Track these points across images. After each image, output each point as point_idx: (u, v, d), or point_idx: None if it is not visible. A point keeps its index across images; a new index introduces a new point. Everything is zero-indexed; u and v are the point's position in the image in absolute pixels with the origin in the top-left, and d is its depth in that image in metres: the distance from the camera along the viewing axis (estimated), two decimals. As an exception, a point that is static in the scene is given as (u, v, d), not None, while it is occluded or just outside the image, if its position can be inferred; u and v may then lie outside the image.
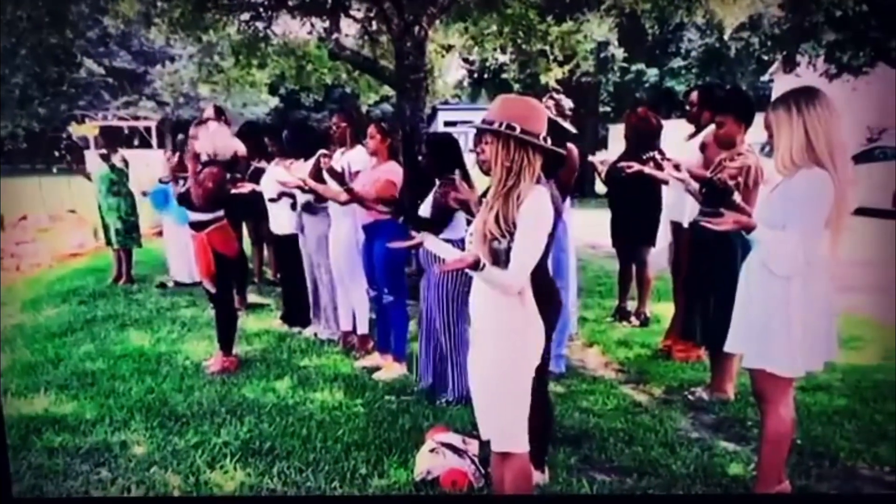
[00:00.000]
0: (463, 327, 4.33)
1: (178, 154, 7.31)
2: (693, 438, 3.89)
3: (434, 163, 4.31)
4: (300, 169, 5.35)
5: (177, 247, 7.75)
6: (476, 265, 2.35)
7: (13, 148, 29.41)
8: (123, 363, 5.20)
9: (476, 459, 3.37)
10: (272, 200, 5.69)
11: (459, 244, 3.70)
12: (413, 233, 4.17)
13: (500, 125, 2.45)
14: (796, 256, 2.76)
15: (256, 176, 6.15)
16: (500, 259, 2.43)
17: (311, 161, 5.28)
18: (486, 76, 22.14)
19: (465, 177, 4.07)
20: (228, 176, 5.22)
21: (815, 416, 4.08)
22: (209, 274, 4.92)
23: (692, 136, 5.17)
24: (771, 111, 2.90)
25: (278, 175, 5.52)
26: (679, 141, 5.31)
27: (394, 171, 4.80)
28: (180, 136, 7.63)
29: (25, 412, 4.27)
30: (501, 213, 2.43)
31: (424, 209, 4.31)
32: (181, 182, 5.24)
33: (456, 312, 4.25)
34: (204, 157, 4.90)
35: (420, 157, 4.41)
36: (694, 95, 5.36)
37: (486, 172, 2.56)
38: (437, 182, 4.27)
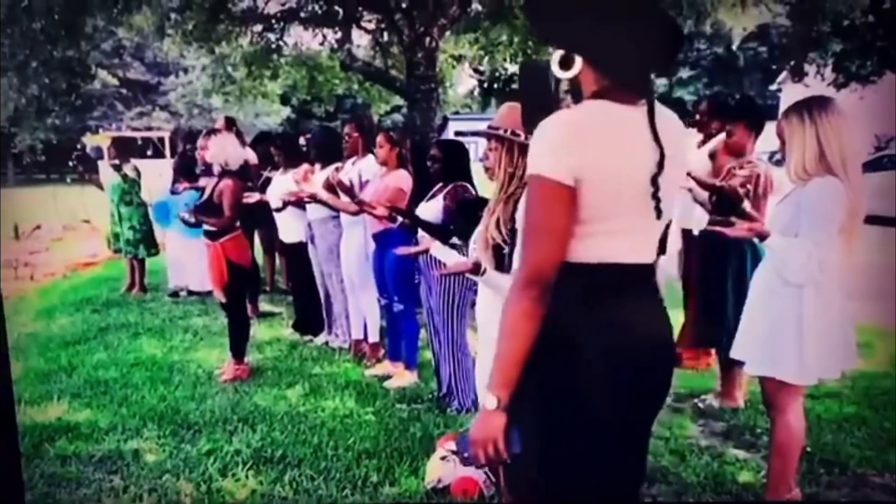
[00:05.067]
0: (463, 334, 4.36)
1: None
2: (703, 446, 3.89)
3: (443, 168, 4.34)
4: (318, 178, 5.40)
5: (179, 258, 7.78)
6: (477, 269, 2.38)
7: (31, 160, 29.66)
8: (136, 371, 5.24)
9: (487, 468, 3.38)
10: (277, 210, 5.73)
11: (463, 249, 3.73)
12: (419, 239, 4.23)
13: (506, 131, 2.48)
14: (809, 264, 2.76)
15: (269, 186, 6.20)
16: (504, 264, 2.45)
17: (327, 171, 5.33)
18: (496, 86, 22.22)
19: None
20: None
21: (824, 423, 4.07)
22: (221, 283, 4.94)
23: (701, 144, 5.18)
24: (783, 120, 2.91)
25: (287, 185, 5.56)
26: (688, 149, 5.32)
27: (403, 180, 4.82)
28: (183, 148, 7.66)
29: (39, 420, 4.30)
30: (503, 218, 2.46)
31: (425, 212, 4.33)
32: (198, 193, 5.27)
33: (457, 320, 4.28)
34: (216, 168, 4.94)
35: (428, 163, 4.44)
36: (704, 105, 5.38)
37: (492, 178, 2.59)
38: (444, 188, 4.31)
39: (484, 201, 2.84)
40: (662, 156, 1.66)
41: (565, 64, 1.69)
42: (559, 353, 1.68)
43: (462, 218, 3.89)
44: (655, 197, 1.67)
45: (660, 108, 1.73)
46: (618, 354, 1.68)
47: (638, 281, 1.76)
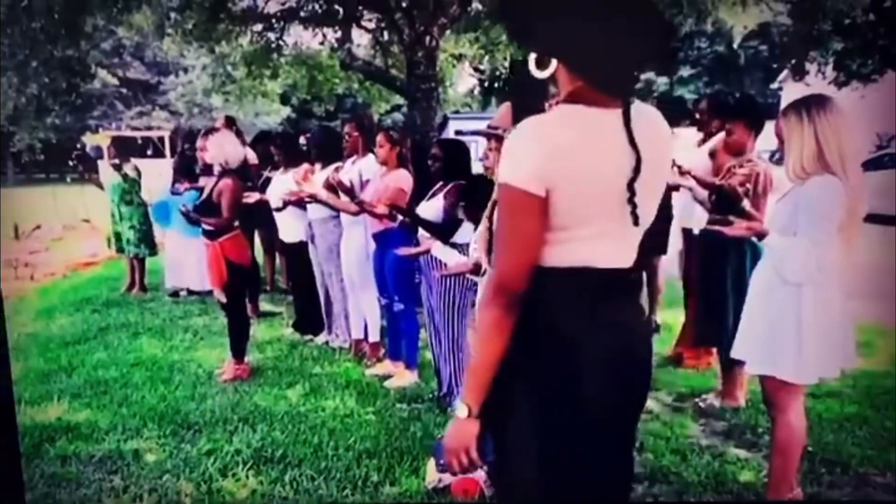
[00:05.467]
0: (464, 334, 4.35)
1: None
2: (704, 445, 3.88)
3: (444, 167, 4.33)
4: (318, 177, 5.40)
5: (178, 258, 7.76)
6: (477, 270, 2.37)
7: (30, 159, 29.67)
8: (136, 371, 5.24)
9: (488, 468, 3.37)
10: (277, 210, 5.73)
11: (464, 249, 3.73)
12: (420, 239, 4.23)
13: (505, 130, 2.47)
14: (808, 263, 2.76)
15: (268, 185, 6.19)
16: None
17: (327, 171, 5.33)
18: (496, 85, 22.20)
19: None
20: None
21: (826, 422, 4.07)
22: (221, 283, 4.94)
23: (701, 143, 5.18)
24: (782, 119, 2.90)
25: (287, 185, 5.55)
26: (688, 148, 5.32)
27: (403, 179, 4.81)
28: (182, 147, 7.65)
29: (39, 420, 4.30)
30: None
31: (425, 211, 4.32)
32: (198, 193, 5.26)
33: (457, 319, 4.27)
34: (217, 168, 4.93)
35: (430, 162, 4.43)
36: (703, 104, 5.38)
37: (492, 177, 2.58)
38: (444, 186, 4.30)
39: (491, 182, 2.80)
40: (639, 160, 1.62)
41: (541, 63, 1.67)
42: (539, 357, 1.67)
43: (472, 198, 3.87)
44: (632, 202, 1.63)
45: (641, 109, 1.69)
46: (596, 358, 1.67)
47: (616, 285, 1.72)
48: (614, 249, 1.69)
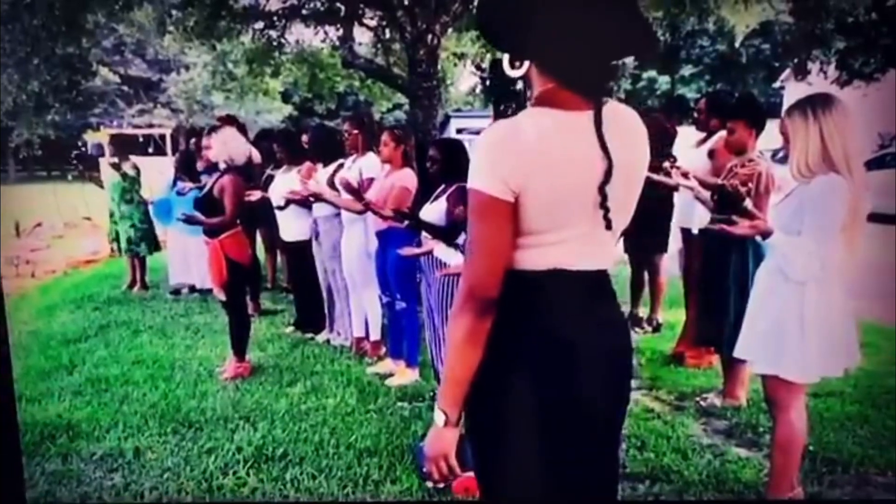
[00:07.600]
0: None
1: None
2: (705, 444, 3.88)
3: (442, 168, 4.32)
4: (321, 175, 5.40)
5: (181, 255, 7.76)
6: None
7: (28, 155, 29.62)
8: (137, 369, 5.24)
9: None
10: (279, 208, 5.72)
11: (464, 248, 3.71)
12: (423, 239, 4.22)
13: None
14: (812, 262, 2.76)
15: (270, 183, 6.19)
16: None
17: (330, 169, 5.32)
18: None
19: None
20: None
21: (827, 421, 4.07)
22: (221, 281, 4.93)
23: (701, 142, 5.17)
24: (786, 117, 2.89)
25: (289, 183, 5.55)
26: (688, 147, 5.32)
27: (408, 179, 4.81)
28: (186, 145, 7.65)
29: (40, 418, 4.30)
30: None
31: (429, 213, 4.31)
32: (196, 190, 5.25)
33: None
34: (222, 166, 4.92)
35: (427, 164, 4.41)
36: (702, 103, 5.37)
37: None
38: (445, 188, 4.29)
39: None
40: (610, 164, 1.58)
41: (514, 63, 1.65)
42: (518, 360, 1.65)
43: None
44: (604, 206, 1.60)
45: (617, 111, 1.64)
46: (576, 359, 1.65)
47: (592, 285, 1.70)
48: (590, 252, 1.66)
